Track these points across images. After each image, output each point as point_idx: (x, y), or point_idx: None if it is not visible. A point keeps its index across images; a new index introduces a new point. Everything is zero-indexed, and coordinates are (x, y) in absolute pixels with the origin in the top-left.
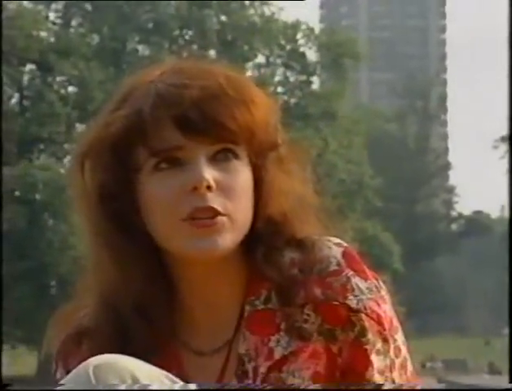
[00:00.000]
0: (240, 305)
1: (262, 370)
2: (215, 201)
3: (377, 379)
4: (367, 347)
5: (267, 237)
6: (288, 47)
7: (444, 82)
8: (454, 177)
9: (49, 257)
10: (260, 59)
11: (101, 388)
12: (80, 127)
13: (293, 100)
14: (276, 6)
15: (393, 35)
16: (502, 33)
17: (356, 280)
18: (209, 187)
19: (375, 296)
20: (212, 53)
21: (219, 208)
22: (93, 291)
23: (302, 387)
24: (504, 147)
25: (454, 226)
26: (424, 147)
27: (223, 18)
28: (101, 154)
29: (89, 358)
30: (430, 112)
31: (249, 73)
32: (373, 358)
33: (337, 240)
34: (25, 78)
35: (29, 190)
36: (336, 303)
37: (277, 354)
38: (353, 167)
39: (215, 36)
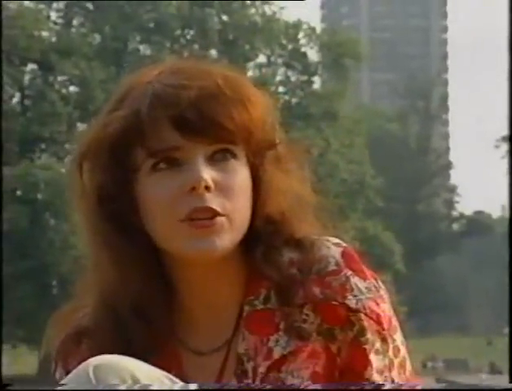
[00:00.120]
0: (239, 305)
1: (262, 369)
2: (214, 201)
3: (376, 378)
4: (366, 347)
5: (265, 236)
6: (289, 47)
7: (446, 82)
8: (455, 177)
9: (50, 256)
10: (261, 58)
11: (101, 388)
12: (81, 127)
13: (294, 100)
14: (277, 6)
15: (394, 35)
16: (503, 33)
17: (355, 280)
18: (207, 187)
19: (374, 296)
20: (213, 53)
21: (218, 209)
22: (92, 291)
23: (301, 387)
24: (505, 147)
25: (455, 226)
26: (425, 146)
27: (225, 17)
28: (99, 155)
29: (88, 358)
30: (431, 111)
31: (250, 73)
32: (372, 357)
33: (336, 240)
34: (26, 78)
35: (31, 189)
36: (335, 303)
37: (276, 354)
38: (354, 167)
39: (216, 35)
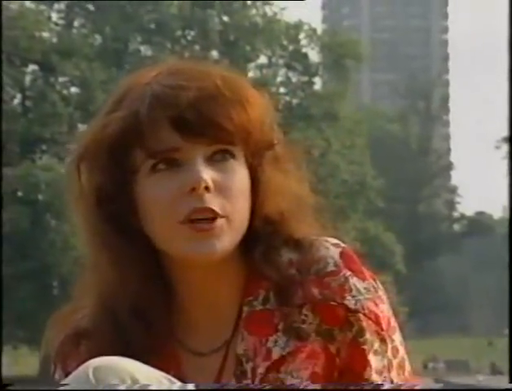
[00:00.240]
0: (238, 306)
1: (261, 370)
2: (213, 202)
3: (375, 379)
4: (365, 347)
5: (264, 236)
6: (290, 48)
7: (446, 83)
8: (456, 178)
9: (51, 257)
10: (262, 59)
11: (101, 388)
12: (82, 127)
13: (295, 101)
14: (278, 7)
15: (395, 36)
16: (503, 35)
17: (354, 280)
18: (207, 188)
19: (373, 297)
20: (214, 53)
21: (218, 209)
22: (91, 292)
23: (300, 387)
24: (506, 148)
25: (456, 227)
26: (426, 147)
27: (225, 18)
28: (98, 156)
29: (87, 359)
30: (432, 112)
31: (251, 74)
32: (371, 358)
33: (335, 241)
34: (27, 79)
35: (32, 190)
36: (334, 303)
37: (275, 354)
38: (355, 167)
39: (217, 36)
